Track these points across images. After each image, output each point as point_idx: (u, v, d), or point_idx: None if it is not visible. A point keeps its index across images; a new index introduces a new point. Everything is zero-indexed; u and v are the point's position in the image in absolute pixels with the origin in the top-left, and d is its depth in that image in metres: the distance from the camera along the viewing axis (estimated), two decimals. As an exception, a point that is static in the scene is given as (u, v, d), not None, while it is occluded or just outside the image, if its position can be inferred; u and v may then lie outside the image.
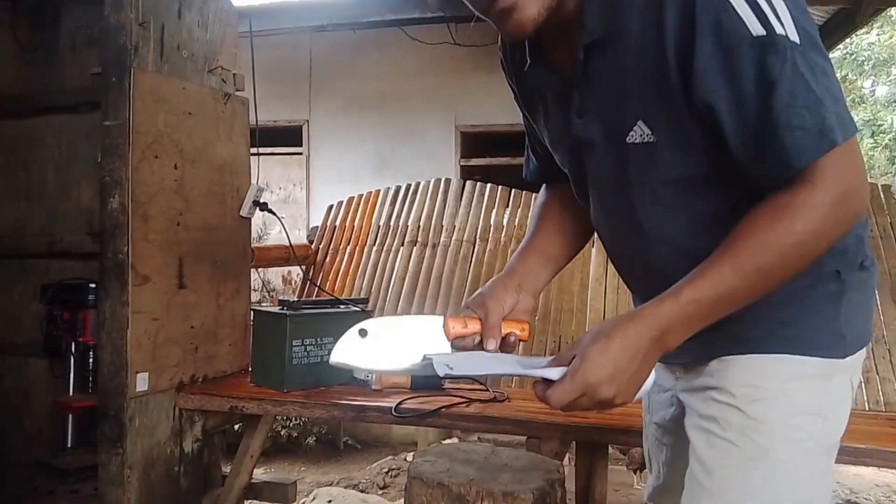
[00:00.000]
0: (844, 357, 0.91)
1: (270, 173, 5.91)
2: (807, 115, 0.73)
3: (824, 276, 0.90)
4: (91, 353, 2.20)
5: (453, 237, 3.28)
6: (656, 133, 0.84)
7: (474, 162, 5.95)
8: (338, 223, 3.57)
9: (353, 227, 3.51)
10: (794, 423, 0.88)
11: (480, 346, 0.94)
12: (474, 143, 5.95)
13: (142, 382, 1.93)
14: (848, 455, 1.57)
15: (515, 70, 1.04)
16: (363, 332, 0.93)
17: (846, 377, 0.92)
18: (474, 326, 0.95)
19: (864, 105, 14.43)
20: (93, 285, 2.20)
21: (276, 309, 2.10)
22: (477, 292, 1.01)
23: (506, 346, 0.96)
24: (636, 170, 0.89)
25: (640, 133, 0.85)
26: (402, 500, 2.65)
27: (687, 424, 0.96)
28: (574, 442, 1.89)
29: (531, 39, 0.93)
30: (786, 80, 0.73)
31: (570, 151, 0.98)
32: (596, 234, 1.11)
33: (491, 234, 3.23)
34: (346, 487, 3.40)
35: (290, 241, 2.85)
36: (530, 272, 1.05)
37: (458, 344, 0.94)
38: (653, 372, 0.82)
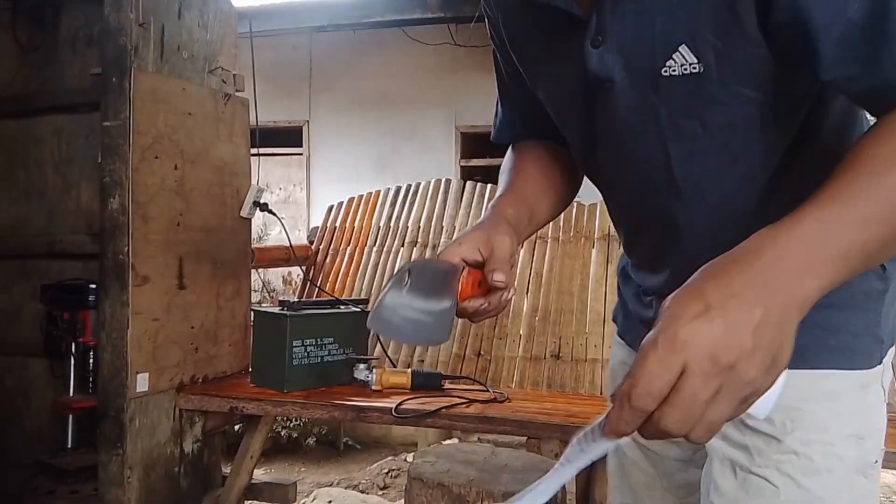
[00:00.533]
0: (881, 363, 0.79)
1: (271, 174, 5.92)
2: None
3: (869, 271, 0.75)
4: (91, 353, 2.20)
5: (453, 238, 3.28)
6: (704, 61, 0.66)
7: (474, 162, 5.96)
8: (338, 224, 3.57)
9: (354, 227, 3.50)
10: (833, 452, 0.76)
11: (484, 301, 0.76)
12: (474, 143, 5.96)
13: (142, 383, 1.93)
14: (848, 456, 1.57)
15: None
16: (406, 274, 0.72)
17: (879, 383, 0.80)
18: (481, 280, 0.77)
19: (864, 105, 14.42)
20: (93, 286, 2.20)
21: (276, 309, 2.10)
22: (474, 229, 0.78)
23: (499, 299, 0.76)
24: (673, 111, 0.71)
25: (681, 62, 0.68)
26: (403, 501, 2.65)
27: (708, 447, 0.81)
28: (574, 442, 1.89)
29: None
30: None
31: (581, 93, 0.78)
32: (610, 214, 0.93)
33: None
34: (346, 488, 3.40)
35: (290, 242, 2.85)
36: (520, 225, 0.84)
37: (467, 306, 0.75)
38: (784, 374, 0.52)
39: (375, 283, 3.30)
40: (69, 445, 2.19)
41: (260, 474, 2.62)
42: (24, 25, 2.45)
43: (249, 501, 2.34)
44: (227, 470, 2.29)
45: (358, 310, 2.19)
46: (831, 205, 0.54)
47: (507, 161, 0.97)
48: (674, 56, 0.68)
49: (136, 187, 1.92)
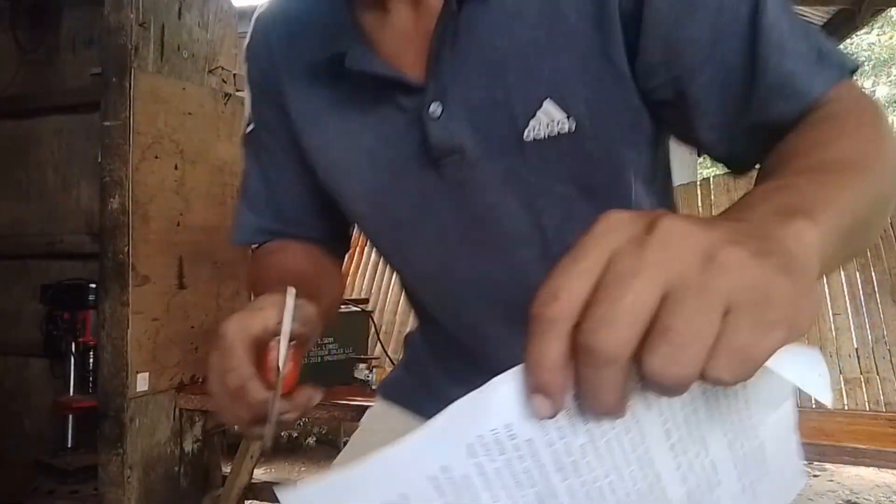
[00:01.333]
0: None
1: (270, 173, 5.91)
2: (811, 39, 0.54)
3: None
4: (91, 353, 2.20)
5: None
6: (576, 117, 0.57)
7: (474, 162, 5.95)
8: (338, 223, 3.57)
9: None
10: None
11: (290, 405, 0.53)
12: (474, 143, 5.96)
13: (142, 382, 1.93)
14: (848, 455, 1.57)
15: (299, 64, 0.69)
16: None
17: None
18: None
19: (864, 105, 14.47)
20: (93, 285, 2.20)
21: (276, 309, 2.10)
22: (264, 296, 0.55)
23: (307, 400, 0.54)
24: (544, 177, 0.61)
25: (548, 121, 0.58)
26: (402, 501, 2.65)
27: None
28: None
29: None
30: (772, 7, 0.53)
31: (415, 170, 0.64)
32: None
33: None
34: (346, 488, 3.40)
35: (290, 242, 2.85)
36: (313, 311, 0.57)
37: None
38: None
39: (375, 282, 3.30)
40: (69, 445, 2.19)
41: (260, 474, 2.62)
42: (24, 25, 2.45)
43: (249, 501, 2.34)
44: (227, 470, 2.29)
45: (358, 309, 2.19)
46: (790, 177, 0.40)
47: (259, 264, 0.76)
48: (538, 114, 0.58)
49: (136, 187, 1.92)
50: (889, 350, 2.76)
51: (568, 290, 0.28)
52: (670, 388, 0.27)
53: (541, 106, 0.58)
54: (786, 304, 0.27)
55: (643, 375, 0.27)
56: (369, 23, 0.65)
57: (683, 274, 0.27)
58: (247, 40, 0.77)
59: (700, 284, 0.27)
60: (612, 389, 0.28)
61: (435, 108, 0.61)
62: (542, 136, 0.58)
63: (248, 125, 0.77)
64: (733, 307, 0.27)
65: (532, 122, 0.58)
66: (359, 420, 1.02)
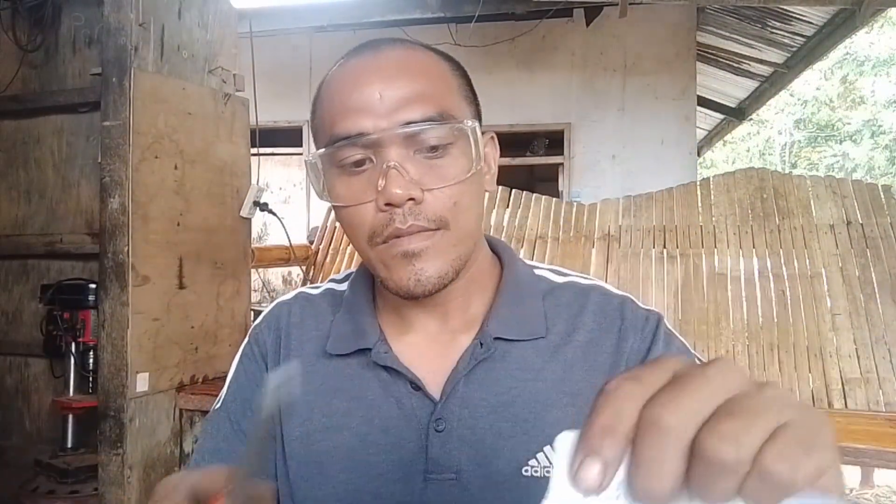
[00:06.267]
0: None
1: (270, 174, 5.92)
2: None
3: None
4: (91, 353, 2.20)
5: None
6: None
7: (474, 162, 5.94)
8: (338, 223, 3.57)
9: (353, 227, 3.50)
10: None
11: None
12: (474, 143, 5.94)
13: (142, 383, 1.93)
14: (848, 455, 1.57)
15: (306, 350, 0.71)
16: None
17: None
18: None
19: (864, 105, 14.47)
20: (93, 285, 2.20)
21: (276, 309, 2.10)
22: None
23: None
24: None
25: (546, 464, 0.62)
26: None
27: None
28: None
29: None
30: None
31: (407, 481, 0.63)
32: None
33: (491, 235, 3.23)
34: (346, 488, 3.39)
35: (290, 242, 2.85)
36: None
37: None
38: None
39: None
40: (69, 445, 2.19)
41: (260, 474, 2.62)
42: (24, 25, 2.45)
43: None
44: (227, 470, 2.29)
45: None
46: None
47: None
48: (538, 456, 0.62)
49: (136, 187, 1.92)
50: (889, 350, 2.76)
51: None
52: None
53: (541, 450, 0.62)
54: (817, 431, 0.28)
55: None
56: (389, 330, 0.69)
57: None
58: (259, 320, 0.77)
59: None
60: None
61: (441, 425, 0.64)
62: (538, 475, 0.61)
63: (218, 402, 0.74)
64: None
65: (531, 462, 0.62)
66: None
